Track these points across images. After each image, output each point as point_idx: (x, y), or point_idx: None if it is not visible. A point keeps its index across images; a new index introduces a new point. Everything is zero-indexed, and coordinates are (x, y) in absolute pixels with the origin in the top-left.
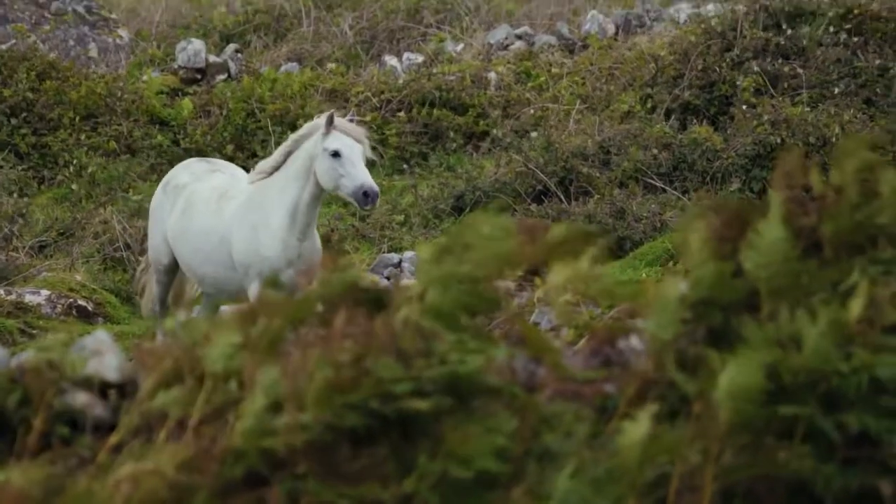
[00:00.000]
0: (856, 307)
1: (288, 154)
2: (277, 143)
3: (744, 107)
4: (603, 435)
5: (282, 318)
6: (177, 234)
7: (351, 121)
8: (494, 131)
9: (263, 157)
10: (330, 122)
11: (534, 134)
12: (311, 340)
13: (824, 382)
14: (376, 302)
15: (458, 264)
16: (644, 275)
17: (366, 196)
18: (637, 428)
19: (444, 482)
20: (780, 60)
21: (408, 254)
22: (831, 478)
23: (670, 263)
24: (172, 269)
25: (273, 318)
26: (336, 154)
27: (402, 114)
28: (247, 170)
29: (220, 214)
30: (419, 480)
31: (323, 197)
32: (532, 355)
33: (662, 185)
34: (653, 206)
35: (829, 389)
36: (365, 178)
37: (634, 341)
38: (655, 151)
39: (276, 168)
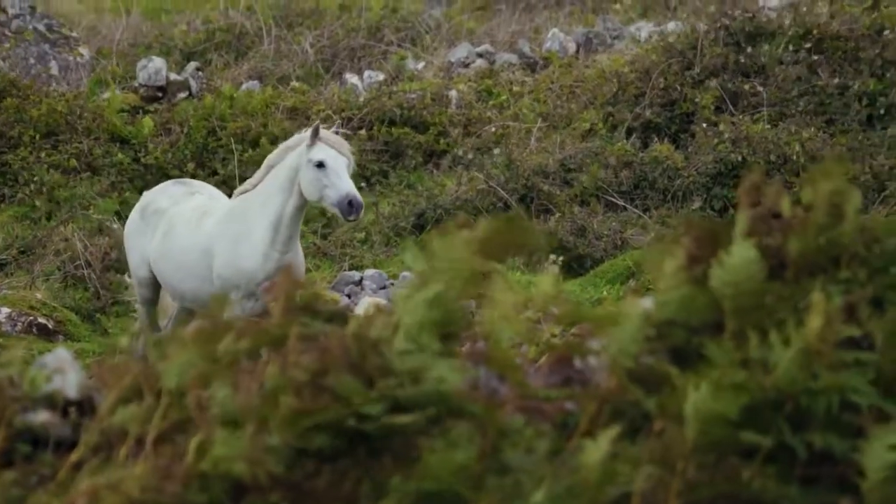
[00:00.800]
0: (815, 323)
1: (271, 166)
2: (239, 162)
3: (704, 125)
4: (564, 452)
5: (247, 340)
6: (158, 256)
7: (336, 133)
8: (456, 150)
9: (224, 175)
10: (315, 133)
11: (496, 151)
12: (266, 359)
13: (791, 402)
14: (336, 320)
15: (428, 286)
16: (605, 293)
17: (350, 206)
18: (598, 447)
19: (415, 501)
20: (740, 78)
21: (368, 272)
22: (794, 499)
23: (631, 281)
24: (155, 292)
25: (238, 339)
26: (321, 165)
27: (362, 132)
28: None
29: (201, 229)
30: (394, 501)
31: (306, 209)
32: (495, 372)
33: (623, 203)
34: (613, 224)
35: (794, 409)
36: (350, 188)
37: (594, 360)
38: (616, 169)
39: (260, 180)
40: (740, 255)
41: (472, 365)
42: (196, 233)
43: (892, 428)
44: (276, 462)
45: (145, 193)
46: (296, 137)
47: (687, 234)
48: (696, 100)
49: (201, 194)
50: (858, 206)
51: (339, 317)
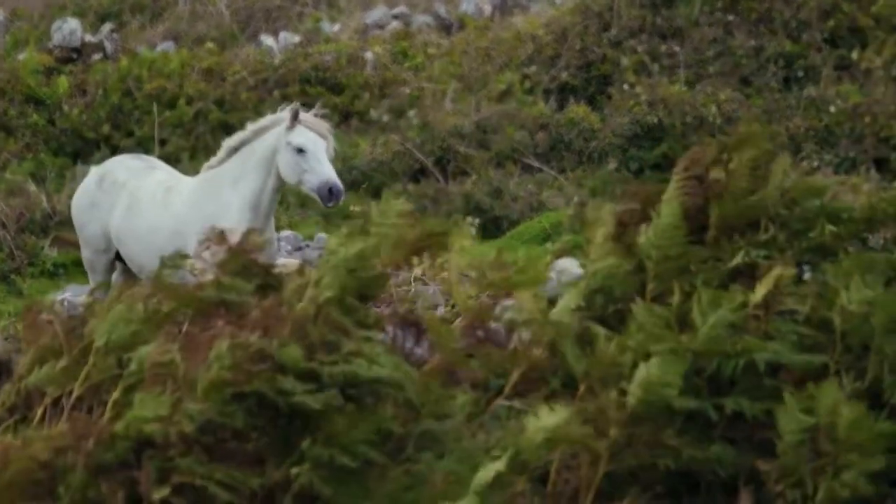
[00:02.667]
0: (759, 293)
1: (241, 145)
2: (155, 123)
3: (625, 86)
4: (482, 416)
5: (177, 302)
6: (123, 232)
7: (316, 115)
8: (372, 112)
9: (140, 137)
10: (295, 116)
11: (411, 113)
12: (220, 329)
13: (710, 365)
14: (267, 284)
15: (354, 251)
16: (521, 254)
17: (331, 193)
18: (543, 418)
19: (328, 468)
20: (657, 40)
21: (284, 233)
22: (728, 464)
23: (547, 243)
24: (112, 262)
25: (168, 301)
26: (300, 150)
27: (277, 93)
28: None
29: (169, 209)
30: (303, 464)
31: (282, 189)
32: (414, 334)
33: (539, 165)
34: (530, 185)
35: (712, 373)
36: (330, 174)
37: (505, 323)
38: (532, 131)
39: (227, 158)
40: (666, 219)
41: (392, 327)
42: (164, 213)
43: (807, 393)
44: (189, 425)
45: (100, 165)
46: (269, 118)
47: (621, 199)
48: (616, 62)
49: (161, 170)
50: (787, 169)
51: (273, 283)
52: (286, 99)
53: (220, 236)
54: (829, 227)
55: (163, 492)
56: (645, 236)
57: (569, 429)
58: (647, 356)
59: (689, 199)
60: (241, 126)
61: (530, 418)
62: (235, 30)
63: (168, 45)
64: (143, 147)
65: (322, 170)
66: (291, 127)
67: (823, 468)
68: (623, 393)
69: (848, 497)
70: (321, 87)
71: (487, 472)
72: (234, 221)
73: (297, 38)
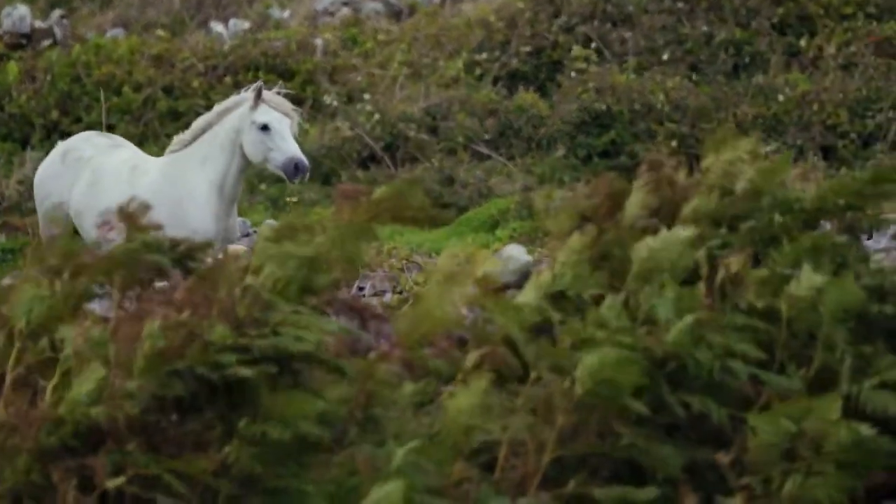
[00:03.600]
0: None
1: (207, 127)
2: (104, 109)
3: (573, 73)
4: (431, 402)
5: (87, 276)
6: (83, 208)
7: (278, 93)
8: (325, 97)
9: (88, 123)
10: (258, 95)
11: (366, 97)
12: (148, 307)
13: (674, 362)
14: (181, 263)
15: (297, 245)
16: (471, 241)
17: (296, 169)
18: (466, 397)
19: (264, 447)
20: (607, 27)
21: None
22: (673, 465)
23: (496, 230)
24: None
25: (77, 276)
26: (265, 127)
27: (227, 79)
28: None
29: (134, 188)
30: (239, 445)
31: (247, 171)
32: (365, 325)
33: (488, 152)
34: (478, 172)
35: (676, 368)
36: (295, 150)
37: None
38: (482, 118)
39: (193, 140)
40: (631, 212)
41: (336, 314)
42: (128, 192)
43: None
44: (131, 406)
45: (64, 141)
46: (233, 99)
47: (590, 195)
48: (567, 48)
49: (125, 147)
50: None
51: (191, 257)
52: (237, 86)
53: (122, 215)
54: (777, 218)
55: (117, 481)
56: (609, 232)
57: (489, 410)
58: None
59: (656, 197)
60: (190, 113)
61: (450, 399)
62: (185, 16)
63: (118, 32)
64: None
65: (287, 147)
66: (255, 106)
67: (797, 470)
68: (573, 382)
69: (811, 499)
70: (271, 74)
71: (404, 452)
72: (202, 204)
73: (246, 25)
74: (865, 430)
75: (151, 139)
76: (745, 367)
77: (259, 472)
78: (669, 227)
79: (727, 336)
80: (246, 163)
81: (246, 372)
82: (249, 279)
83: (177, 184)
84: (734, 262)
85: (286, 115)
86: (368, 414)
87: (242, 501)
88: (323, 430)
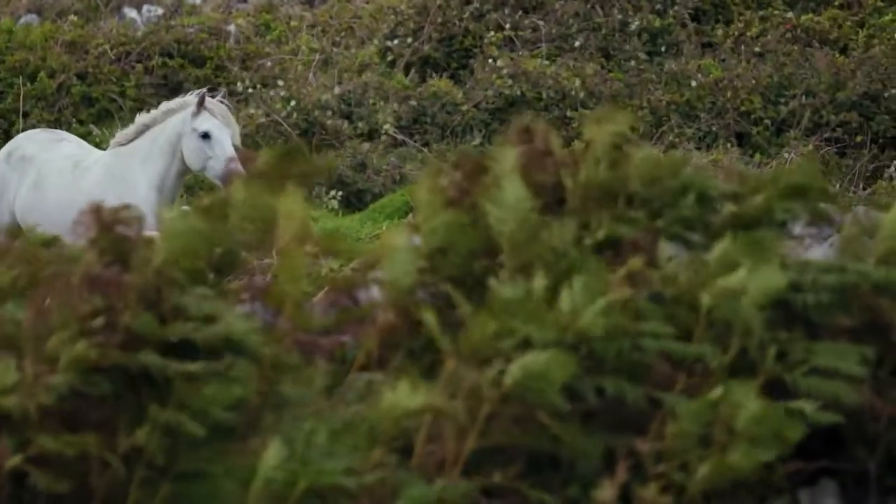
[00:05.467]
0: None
1: (152, 123)
2: (18, 95)
3: (490, 60)
4: (341, 386)
5: (25, 267)
6: (28, 207)
7: (221, 101)
8: (238, 84)
9: (3, 109)
10: (201, 102)
11: (280, 83)
12: (55, 290)
13: (585, 345)
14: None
15: (201, 223)
16: (384, 227)
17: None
18: (400, 392)
19: (175, 433)
20: (519, 14)
21: None
22: (594, 458)
23: (409, 216)
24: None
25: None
26: (205, 135)
27: (140, 65)
28: None
29: (78, 186)
30: (149, 432)
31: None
32: (272, 307)
33: (402, 138)
34: (392, 158)
35: (588, 353)
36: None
37: (374, 293)
38: (395, 105)
39: (135, 138)
40: (512, 193)
41: (249, 300)
42: (73, 190)
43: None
44: (49, 397)
45: (11, 140)
46: (178, 101)
47: (455, 167)
48: (480, 35)
49: (69, 142)
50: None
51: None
52: (148, 72)
53: (92, 214)
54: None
55: (14, 460)
56: (493, 209)
57: (433, 406)
58: (526, 342)
59: (540, 172)
60: (104, 99)
61: (387, 393)
62: (99, 2)
63: (32, 18)
64: (6, 119)
65: (226, 156)
66: (197, 112)
67: (712, 454)
68: (500, 372)
69: (731, 478)
70: (183, 60)
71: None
72: (141, 200)
73: (160, 11)
74: (808, 406)
75: (65, 125)
76: (655, 342)
77: (170, 457)
78: (558, 202)
79: (639, 318)
80: (185, 167)
81: (175, 367)
82: (159, 261)
83: (118, 181)
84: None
85: (227, 124)
86: (283, 398)
87: (154, 486)
88: (237, 417)
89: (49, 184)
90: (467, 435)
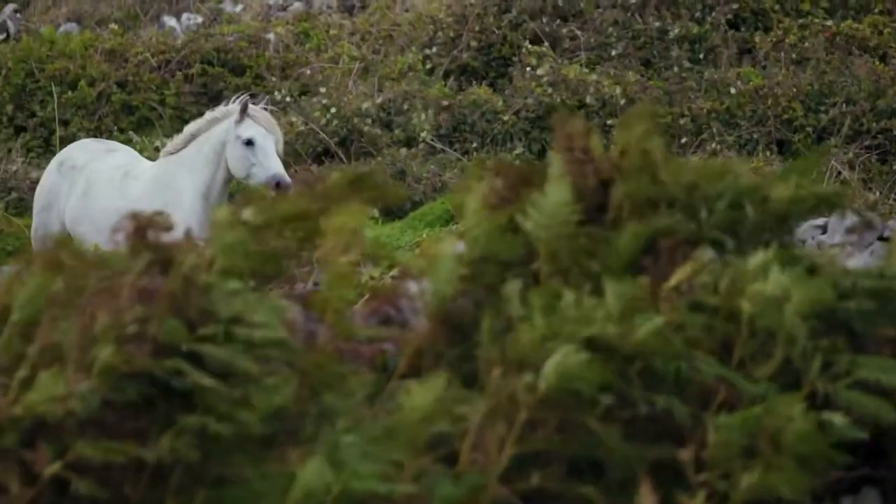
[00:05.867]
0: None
1: (197, 133)
2: (58, 104)
3: (528, 68)
4: (382, 394)
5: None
6: (77, 216)
7: (265, 108)
8: (276, 93)
9: (43, 118)
10: (244, 109)
11: (322, 90)
12: (97, 300)
13: (641, 360)
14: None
15: (246, 232)
16: (424, 235)
17: (278, 187)
18: (422, 392)
19: (211, 439)
20: (558, 22)
21: None
22: (633, 463)
23: (450, 224)
24: None
25: (75, 272)
26: (249, 143)
27: (180, 74)
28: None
29: (126, 193)
30: (178, 437)
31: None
32: (314, 314)
33: (442, 147)
34: (432, 167)
35: (643, 367)
36: (278, 168)
37: (415, 302)
38: (435, 113)
39: (183, 147)
40: (554, 197)
41: (291, 307)
42: (120, 197)
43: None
44: (84, 405)
45: (62, 150)
46: (222, 108)
47: (498, 175)
48: (518, 45)
49: (120, 152)
50: (664, 151)
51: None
52: (187, 81)
53: (131, 220)
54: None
55: (54, 467)
56: (533, 213)
57: (446, 403)
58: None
59: (581, 179)
60: (144, 107)
61: (405, 395)
62: (138, 11)
63: (71, 27)
64: (46, 127)
65: (269, 164)
66: (240, 120)
67: (756, 465)
68: (536, 377)
69: (776, 496)
70: (223, 69)
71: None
72: (186, 209)
73: (199, 20)
74: (838, 419)
75: (105, 134)
76: (712, 368)
77: (202, 462)
78: (598, 209)
79: (687, 335)
80: (230, 175)
81: (207, 383)
82: (200, 268)
83: (165, 190)
84: (695, 258)
85: (271, 131)
86: (324, 406)
87: (189, 491)
88: (272, 425)
89: (97, 192)
90: (506, 441)
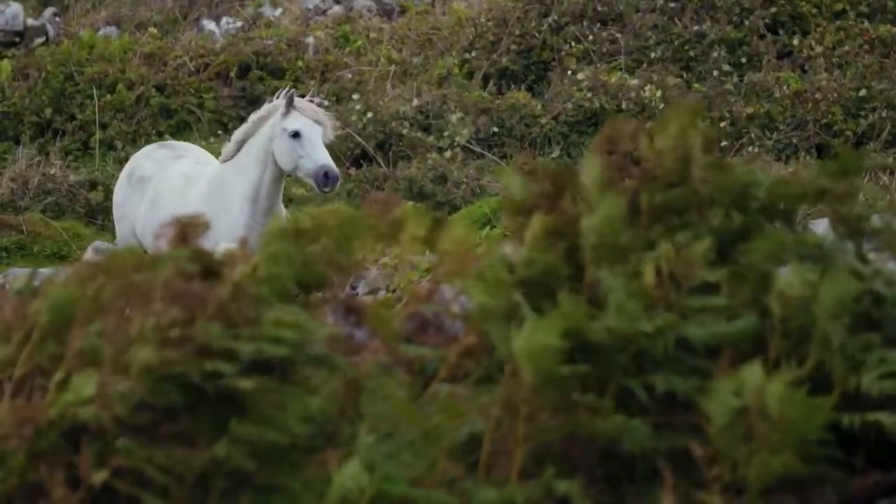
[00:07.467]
0: (650, 268)
1: (246, 137)
2: (97, 107)
3: (569, 72)
4: (420, 399)
5: (120, 277)
6: (147, 225)
7: (311, 101)
8: (313, 96)
9: (82, 121)
10: (290, 102)
11: (356, 96)
12: (135, 303)
13: (633, 344)
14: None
15: (293, 243)
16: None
17: (326, 177)
18: (450, 390)
19: (257, 446)
20: (597, 26)
21: None
22: (640, 437)
23: (488, 228)
24: None
25: (111, 278)
26: (296, 134)
27: (219, 77)
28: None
29: (186, 200)
30: (230, 445)
31: (285, 179)
32: (360, 323)
33: (481, 150)
34: (471, 170)
35: (638, 350)
36: (325, 158)
37: (452, 305)
38: (474, 116)
39: (235, 153)
40: (610, 208)
41: (333, 316)
42: (182, 205)
43: (735, 374)
44: (122, 406)
45: (131, 158)
46: (267, 106)
47: (539, 181)
48: (556, 48)
49: (186, 158)
50: (711, 145)
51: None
52: (226, 84)
53: (174, 227)
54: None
55: (102, 475)
56: (587, 225)
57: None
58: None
59: (622, 184)
60: (183, 111)
61: (436, 399)
62: (178, 15)
63: (111, 30)
64: (85, 130)
65: (317, 155)
66: (287, 113)
67: (758, 449)
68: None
69: (780, 474)
70: (262, 72)
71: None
72: (235, 213)
73: (238, 23)
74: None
75: (143, 137)
76: (701, 331)
77: (251, 469)
78: (635, 211)
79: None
80: (280, 172)
81: (244, 384)
82: (244, 277)
83: (216, 195)
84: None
85: (318, 122)
86: (366, 412)
87: (234, 498)
88: (314, 430)
89: (164, 201)
90: (519, 439)
